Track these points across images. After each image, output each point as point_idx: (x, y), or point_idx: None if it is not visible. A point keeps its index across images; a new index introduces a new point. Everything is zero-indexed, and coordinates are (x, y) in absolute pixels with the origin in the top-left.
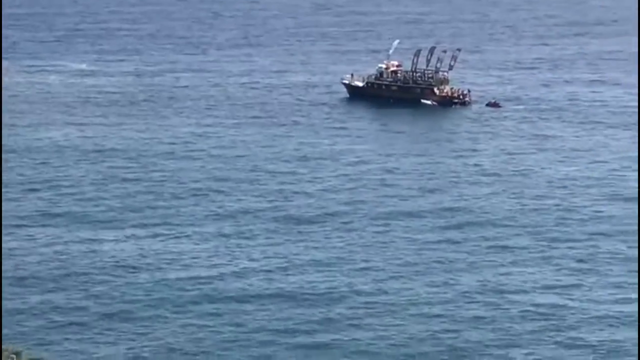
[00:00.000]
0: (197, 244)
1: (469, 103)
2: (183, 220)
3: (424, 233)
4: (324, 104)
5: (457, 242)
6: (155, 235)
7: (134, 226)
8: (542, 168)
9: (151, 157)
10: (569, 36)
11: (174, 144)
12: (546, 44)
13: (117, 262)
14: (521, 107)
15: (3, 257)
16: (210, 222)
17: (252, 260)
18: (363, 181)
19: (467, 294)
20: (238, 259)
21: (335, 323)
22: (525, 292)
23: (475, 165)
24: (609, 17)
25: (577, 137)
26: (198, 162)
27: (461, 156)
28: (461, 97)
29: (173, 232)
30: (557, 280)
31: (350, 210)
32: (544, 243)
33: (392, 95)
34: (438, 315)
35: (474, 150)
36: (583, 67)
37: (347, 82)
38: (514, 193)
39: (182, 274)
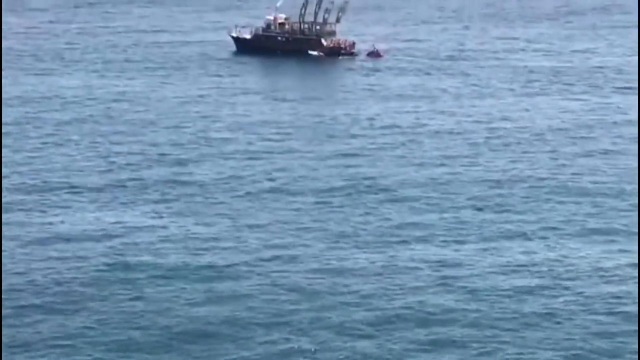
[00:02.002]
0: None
1: (356, 54)
2: None
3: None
4: (211, 57)
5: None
6: None
7: None
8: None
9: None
10: None
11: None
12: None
13: None
14: (406, 57)
15: None
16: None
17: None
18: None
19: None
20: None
21: None
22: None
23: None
24: None
25: (458, 87)
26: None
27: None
28: (347, 48)
29: None
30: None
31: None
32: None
33: (280, 47)
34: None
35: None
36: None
37: (234, 35)
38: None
39: None
